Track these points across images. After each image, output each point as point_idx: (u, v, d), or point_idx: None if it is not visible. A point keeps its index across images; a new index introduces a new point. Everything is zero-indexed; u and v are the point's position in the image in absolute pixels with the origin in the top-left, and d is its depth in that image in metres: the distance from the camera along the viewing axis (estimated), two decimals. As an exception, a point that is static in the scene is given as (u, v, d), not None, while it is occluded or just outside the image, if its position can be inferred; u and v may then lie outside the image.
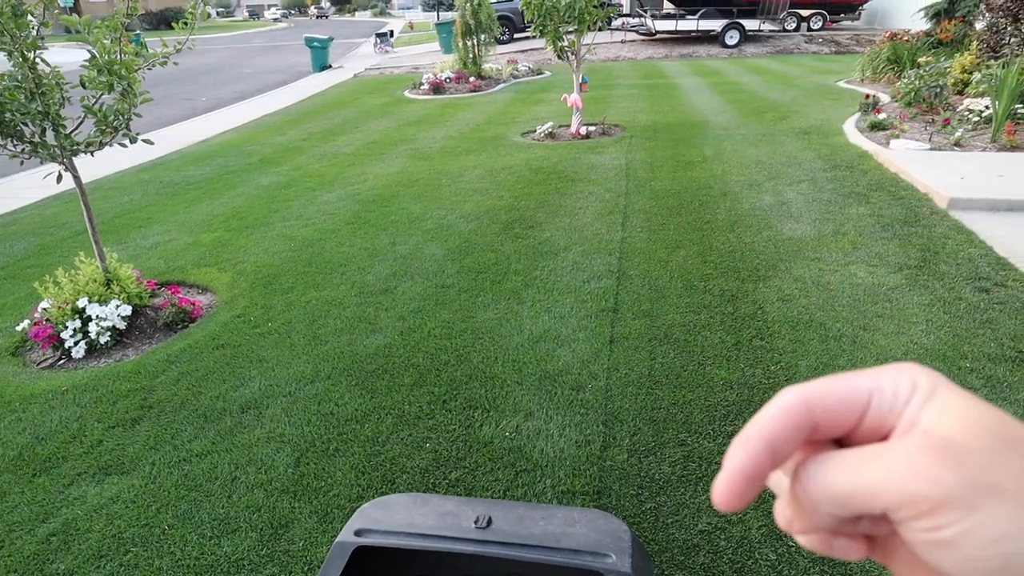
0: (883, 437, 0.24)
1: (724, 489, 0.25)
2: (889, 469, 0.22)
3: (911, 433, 0.23)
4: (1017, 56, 6.97)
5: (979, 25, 9.40)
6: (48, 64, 2.97)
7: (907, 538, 0.22)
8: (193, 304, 3.65)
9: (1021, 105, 6.36)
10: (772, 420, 0.25)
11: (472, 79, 12.07)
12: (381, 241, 4.55)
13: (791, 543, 1.95)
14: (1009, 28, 7.79)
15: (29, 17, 2.78)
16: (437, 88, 11.74)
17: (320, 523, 2.13)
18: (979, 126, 6.38)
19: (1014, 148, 5.72)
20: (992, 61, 7.52)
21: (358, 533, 1.36)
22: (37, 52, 2.86)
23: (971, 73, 7.73)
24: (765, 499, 2.10)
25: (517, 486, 2.24)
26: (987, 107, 6.41)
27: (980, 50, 8.12)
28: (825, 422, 0.25)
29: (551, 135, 7.54)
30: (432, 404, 2.71)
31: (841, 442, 0.26)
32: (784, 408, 0.25)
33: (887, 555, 0.26)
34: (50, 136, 3.08)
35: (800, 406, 0.25)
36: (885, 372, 0.25)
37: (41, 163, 3.22)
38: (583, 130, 7.43)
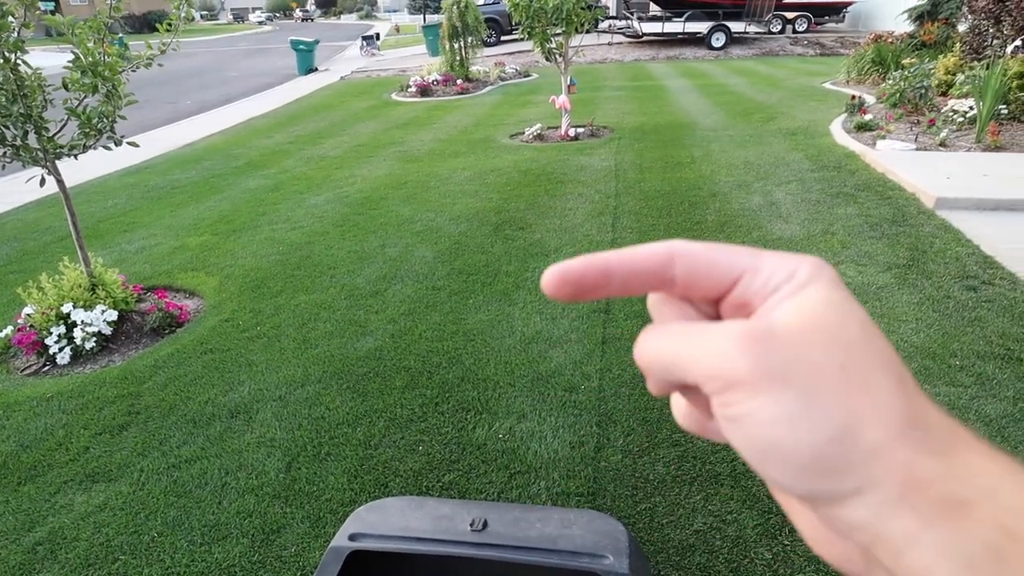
0: (747, 315, 0.25)
1: (548, 275, 0.26)
2: (704, 346, 0.23)
3: (752, 318, 0.24)
4: (999, 57, 7.07)
5: (962, 27, 9.53)
6: (30, 66, 2.92)
7: (713, 411, 0.24)
8: (180, 309, 3.60)
9: (1004, 106, 6.45)
10: (630, 252, 0.26)
11: (459, 81, 12.06)
12: (370, 244, 4.52)
13: (787, 542, 1.95)
14: (991, 30, 7.90)
15: (10, 19, 2.73)
16: (424, 91, 11.72)
17: (312, 528, 2.10)
18: (963, 127, 6.46)
19: (998, 148, 5.80)
20: (975, 62, 7.63)
21: (352, 537, 1.34)
22: (19, 54, 2.82)
23: (955, 74, 7.84)
24: (759, 498, 2.10)
25: (511, 488, 2.22)
26: (971, 108, 6.49)
27: (963, 52, 8.24)
28: (684, 281, 0.25)
29: (540, 137, 7.54)
30: (424, 407, 2.69)
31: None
32: (650, 250, 0.26)
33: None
34: (32, 139, 3.03)
35: (664, 255, 0.25)
36: (774, 258, 0.24)
37: (24, 167, 3.16)
38: (572, 132, 7.44)
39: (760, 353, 0.22)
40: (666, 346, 0.25)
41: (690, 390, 0.26)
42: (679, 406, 0.29)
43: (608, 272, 0.26)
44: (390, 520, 1.39)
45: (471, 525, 1.34)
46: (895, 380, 0.22)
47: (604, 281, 0.26)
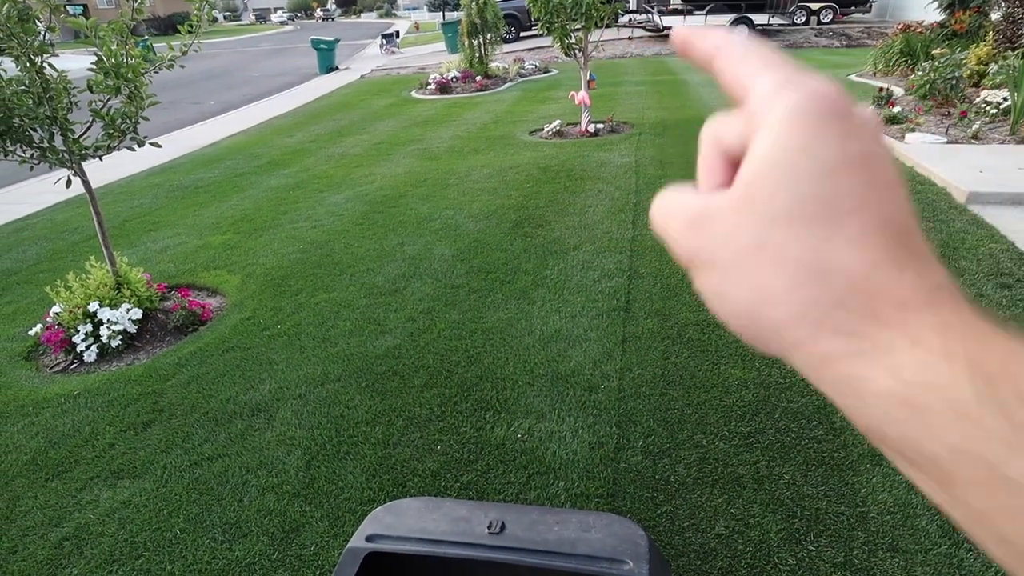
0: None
1: (684, 32, 0.28)
2: (670, 228, 0.26)
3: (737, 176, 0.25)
4: (1034, 46, 6.84)
5: (995, 15, 9.25)
6: (55, 69, 2.97)
7: None
8: (203, 307, 3.64)
9: (1039, 96, 6.24)
10: (719, 38, 0.27)
11: (479, 78, 12.04)
12: (390, 242, 4.53)
13: (811, 547, 1.90)
14: (1025, 18, 7.66)
15: (36, 22, 2.78)
16: (444, 88, 11.72)
17: (331, 527, 2.11)
18: (997, 118, 6.27)
19: (1032, 140, 5.62)
20: (1009, 52, 7.39)
21: (370, 539, 1.33)
22: (44, 57, 2.86)
23: (987, 64, 7.61)
24: (783, 502, 2.06)
25: (530, 489, 2.21)
26: (1005, 99, 6.30)
27: (996, 41, 8.00)
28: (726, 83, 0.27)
29: (559, 133, 7.50)
30: (443, 406, 2.68)
31: None
32: (708, 43, 0.27)
33: None
34: (59, 141, 3.08)
35: (709, 52, 0.27)
36: (765, 80, 0.24)
37: (50, 168, 3.22)
38: (591, 128, 7.38)
39: (692, 238, 0.25)
40: (658, 219, 0.27)
41: None
42: None
43: (694, 56, 0.28)
44: (407, 521, 1.39)
45: (488, 527, 1.33)
46: (812, 259, 0.22)
47: (701, 49, 0.28)
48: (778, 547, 1.91)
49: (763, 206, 0.23)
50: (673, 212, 0.26)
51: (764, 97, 0.24)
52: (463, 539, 1.32)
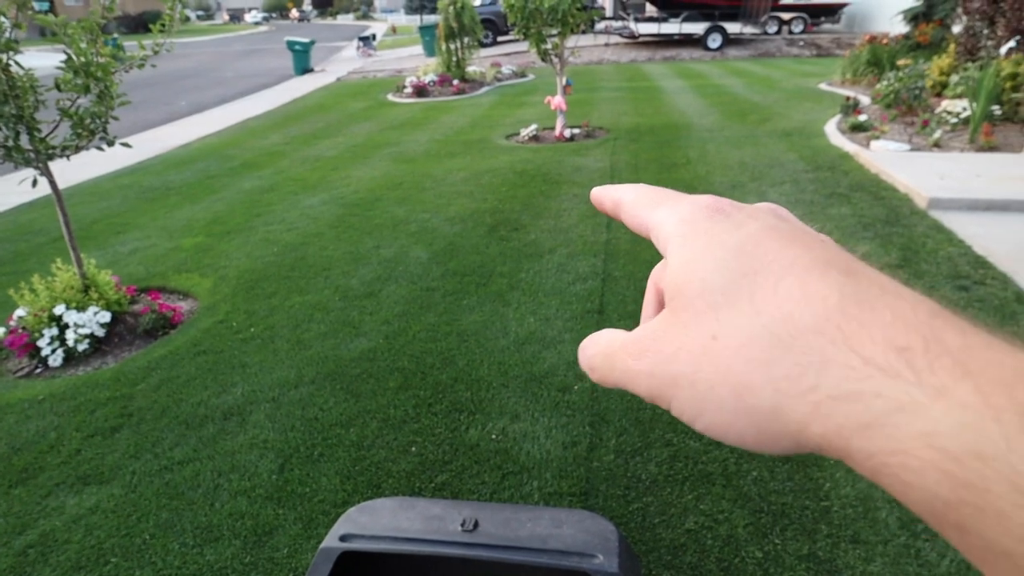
0: None
1: (595, 192, 0.31)
2: (615, 373, 0.26)
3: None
4: (993, 58, 7.10)
5: (956, 28, 9.57)
6: (22, 67, 2.91)
7: None
8: (174, 310, 3.59)
9: (997, 106, 6.48)
10: (615, 195, 0.30)
11: (455, 82, 12.06)
12: (365, 245, 4.52)
13: (777, 541, 1.95)
14: (985, 31, 7.94)
15: (2, 19, 2.73)
16: (420, 91, 11.71)
17: (305, 529, 2.10)
18: (957, 127, 6.48)
19: (991, 148, 5.82)
20: (969, 63, 7.65)
21: (343, 538, 1.34)
22: (10, 54, 2.81)
23: (949, 75, 7.86)
24: (751, 497, 2.11)
25: (504, 488, 2.22)
26: (965, 108, 6.52)
27: (957, 52, 8.27)
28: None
29: (535, 138, 7.55)
30: (417, 407, 2.69)
31: None
32: (615, 196, 0.29)
33: None
34: (25, 140, 3.02)
35: (612, 205, 0.30)
36: (660, 212, 0.26)
37: (16, 168, 3.15)
38: (567, 133, 7.44)
39: (645, 368, 0.24)
40: (599, 363, 0.27)
41: None
42: None
43: (606, 210, 0.30)
44: (381, 521, 1.39)
45: (462, 525, 1.34)
46: (766, 323, 0.20)
47: (610, 207, 0.30)
48: (745, 541, 1.96)
49: (698, 302, 0.22)
50: (614, 351, 0.25)
51: (660, 226, 0.26)
52: (437, 537, 1.33)
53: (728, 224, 0.23)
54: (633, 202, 0.28)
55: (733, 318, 0.21)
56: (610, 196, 0.29)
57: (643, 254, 4.07)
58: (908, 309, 0.19)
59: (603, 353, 0.26)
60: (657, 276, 0.28)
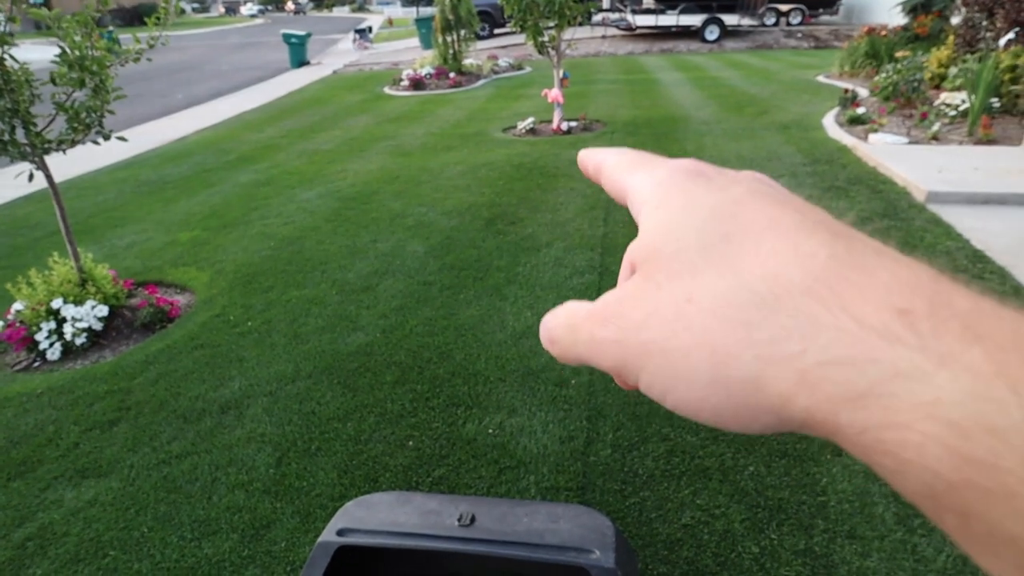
0: None
1: (580, 155, 0.30)
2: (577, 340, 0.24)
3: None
4: (992, 50, 7.08)
5: (955, 20, 9.54)
6: (16, 60, 2.89)
7: None
8: (171, 304, 3.59)
9: (996, 99, 6.47)
10: (601, 154, 0.29)
11: (452, 75, 12.01)
12: (362, 239, 4.51)
13: (774, 536, 1.96)
14: (984, 23, 7.92)
15: (-4, 11, 2.71)
16: (417, 84, 11.66)
17: (302, 523, 2.11)
18: (955, 120, 6.47)
19: (990, 141, 5.82)
20: (968, 55, 7.64)
21: (340, 532, 1.34)
22: (5, 48, 2.79)
23: (947, 67, 7.84)
24: (747, 492, 2.12)
25: (500, 483, 2.23)
26: (963, 101, 6.51)
27: (956, 44, 8.25)
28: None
29: (532, 131, 7.53)
30: (415, 402, 2.69)
31: None
32: (596, 159, 0.29)
33: None
34: (20, 134, 3.00)
35: (593, 168, 0.29)
36: (636, 178, 0.25)
37: (11, 162, 3.14)
38: (564, 126, 7.42)
39: (611, 338, 0.22)
40: (561, 334, 0.26)
41: None
42: None
43: (589, 174, 0.29)
44: (378, 515, 1.40)
45: (459, 520, 1.35)
46: (748, 283, 0.19)
47: (593, 177, 0.29)
48: (742, 536, 1.97)
49: (674, 264, 0.20)
50: (578, 321, 0.23)
51: (636, 190, 0.25)
52: (434, 532, 1.34)
53: (710, 186, 0.22)
54: (614, 165, 0.27)
55: (712, 279, 0.19)
56: (593, 159, 0.29)
57: (641, 248, 4.07)
58: (908, 272, 0.17)
59: (565, 324, 0.24)
60: (631, 250, 0.25)
